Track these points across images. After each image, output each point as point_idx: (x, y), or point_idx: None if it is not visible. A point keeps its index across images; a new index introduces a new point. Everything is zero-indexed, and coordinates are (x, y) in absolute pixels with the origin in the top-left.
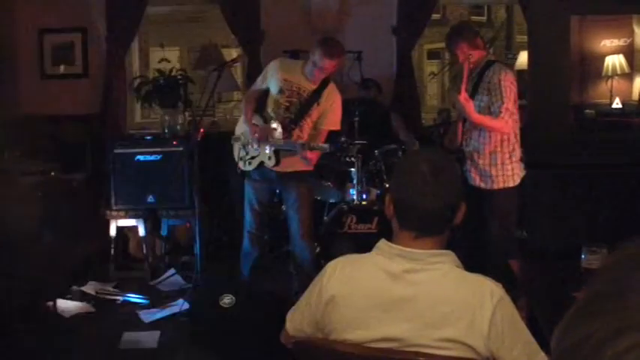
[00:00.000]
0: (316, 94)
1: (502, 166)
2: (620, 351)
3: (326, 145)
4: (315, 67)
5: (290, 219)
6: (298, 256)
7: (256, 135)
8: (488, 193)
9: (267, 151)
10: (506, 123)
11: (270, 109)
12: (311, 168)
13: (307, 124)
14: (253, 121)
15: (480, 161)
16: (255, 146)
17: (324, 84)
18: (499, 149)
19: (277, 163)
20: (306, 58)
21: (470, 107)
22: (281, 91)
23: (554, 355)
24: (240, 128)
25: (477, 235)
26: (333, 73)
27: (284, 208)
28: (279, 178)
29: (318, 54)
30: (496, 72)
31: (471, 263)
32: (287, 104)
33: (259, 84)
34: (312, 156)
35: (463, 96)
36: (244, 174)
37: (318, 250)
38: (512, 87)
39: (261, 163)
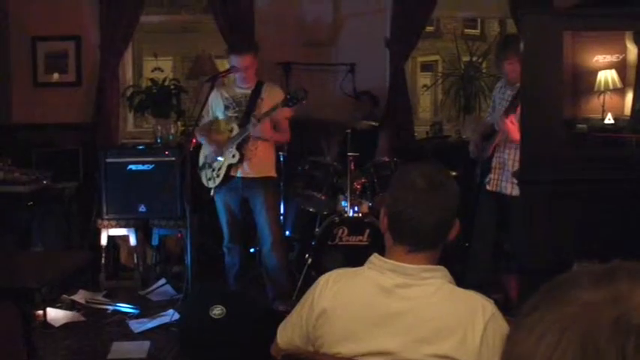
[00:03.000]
0: (256, 92)
1: None
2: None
3: (271, 110)
4: (235, 70)
5: (260, 227)
6: (269, 264)
7: (213, 150)
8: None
9: (230, 150)
10: None
11: (222, 126)
12: (274, 174)
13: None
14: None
15: (514, 169)
16: (219, 158)
17: (259, 85)
18: None
19: (242, 158)
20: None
21: (515, 130)
22: (227, 108)
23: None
24: (203, 155)
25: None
26: (254, 70)
27: (254, 218)
28: (245, 185)
29: (230, 58)
30: None
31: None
32: (235, 115)
33: (206, 117)
34: (264, 128)
35: (510, 120)
36: (215, 192)
37: (309, 261)
38: None
39: (229, 169)
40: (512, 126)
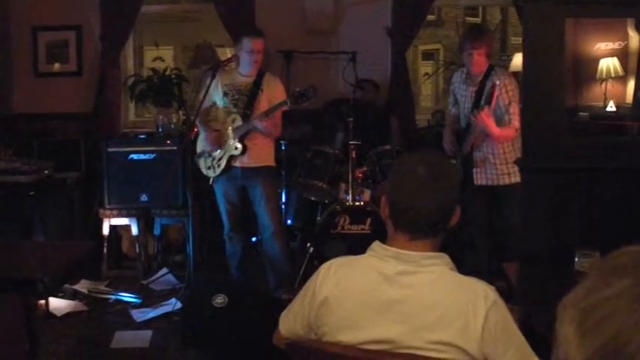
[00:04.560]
0: (257, 84)
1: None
2: None
3: (278, 106)
4: (247, 55)
5: (260, 217)
6: (270, 252)
7: (211, 143)
8: (507, 189)
9: (232, 143)
10: (517, 128)
11: (220, 113)
12: (273, 163)
13: (260, 111)
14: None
15: (497, 161)
16: (218, 147)
17: (260, 75)
18: (511, 148)
19: (244, 150)
20: (237, 61)
21: (492, 123)
22: (225, 95)
23: (572, 312)
24: (201, 144)
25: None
26: (264, 60)
27: (253, 207)
28: (244, 174)
29: (244, 41)
30: (499, 77)
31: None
32: (234, 102)
33: (206, 103)
34: (269, 124)
35: (485, 113)
36: (214, 181)
37: (311, 250)
38: (517, 89)
39: (230, 159)
40: (487, 119)
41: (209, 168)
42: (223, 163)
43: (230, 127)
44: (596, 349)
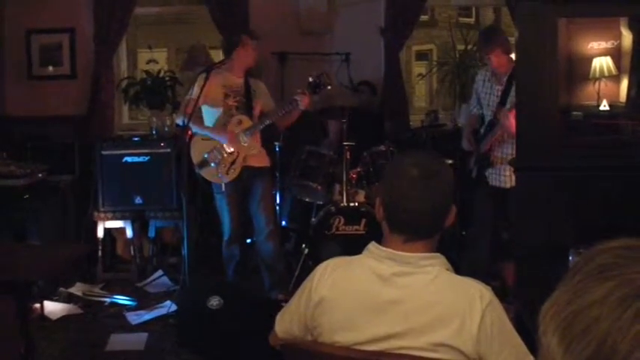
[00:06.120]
0: (247, 85)
1: None
2: None
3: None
4: (253, 52)
5: (256, 218)
6: (265, 252)
7: (229, 140)
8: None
9: (248, 142)
10: None
11: (222, 116)
12: (269, 164)
13: (255, 113)
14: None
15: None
16: (230, 150)
17: (246, 77)
18: None
19: (259, 148)
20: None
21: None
22: (227, 97)
23: (556, 320)
24: (200, 152)
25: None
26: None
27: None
28: (250, 175)
29: (249, 40)
30: None
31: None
32: (236, 104)
33: (199, 104)
34: (306, 99)
35: (514, 114)
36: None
37: (306, 251)
38: None
39: (245, 159)
40: (513, 121)
41: (223, 174)
42: (238, 166)
43: (241, 128)
44: None
